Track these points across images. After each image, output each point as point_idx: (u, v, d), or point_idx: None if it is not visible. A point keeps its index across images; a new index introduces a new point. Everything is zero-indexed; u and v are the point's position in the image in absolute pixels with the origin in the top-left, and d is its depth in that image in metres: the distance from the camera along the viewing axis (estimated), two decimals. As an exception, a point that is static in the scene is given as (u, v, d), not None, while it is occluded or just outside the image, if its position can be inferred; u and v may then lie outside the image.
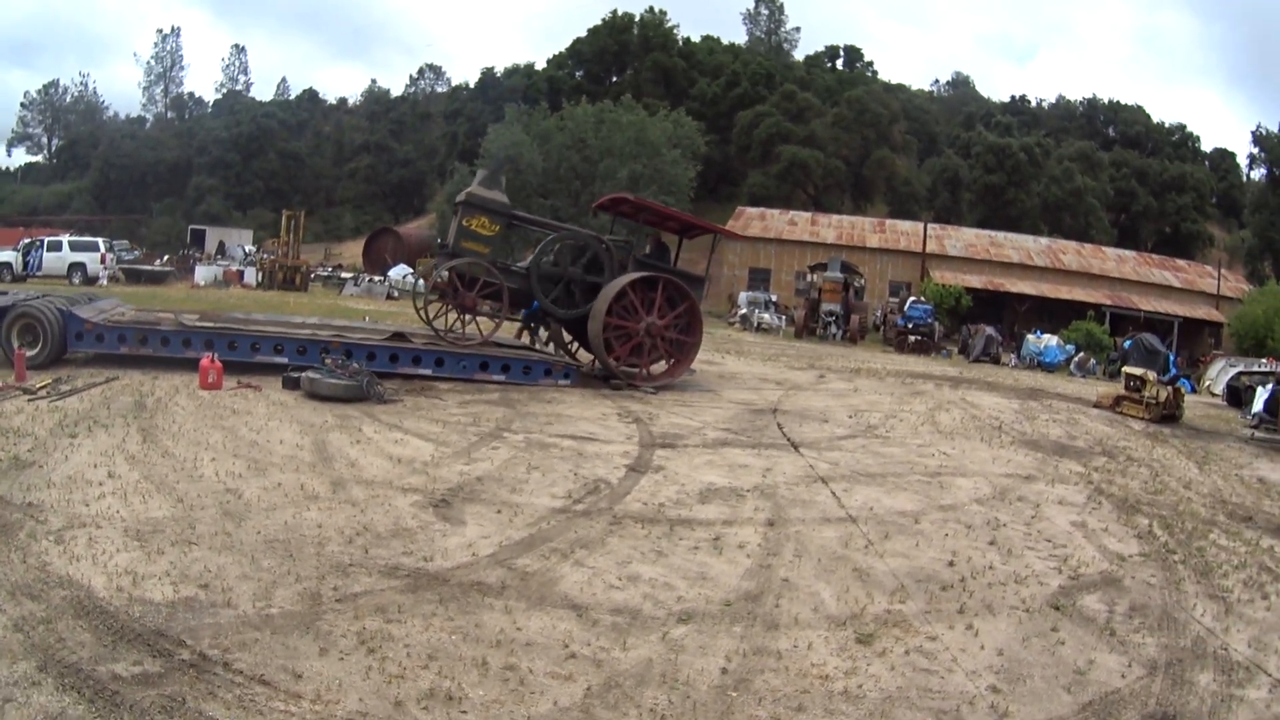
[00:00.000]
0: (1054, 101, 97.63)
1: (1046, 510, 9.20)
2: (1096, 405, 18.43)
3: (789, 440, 11.88)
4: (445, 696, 4.56)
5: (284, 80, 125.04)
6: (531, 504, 8.04)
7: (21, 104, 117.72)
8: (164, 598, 5.48)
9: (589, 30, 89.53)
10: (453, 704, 4.52)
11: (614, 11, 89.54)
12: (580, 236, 16.91)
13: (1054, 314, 45.26)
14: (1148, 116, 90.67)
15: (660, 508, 8.23)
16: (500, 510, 7.77)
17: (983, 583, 6.80)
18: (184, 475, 8.20)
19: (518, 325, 17.82)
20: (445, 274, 15.69)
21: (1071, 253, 55.30)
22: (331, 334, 15.01)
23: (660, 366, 16.21)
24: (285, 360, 13.90)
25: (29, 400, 10.87)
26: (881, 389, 18.52)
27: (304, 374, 12.70)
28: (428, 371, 14.52)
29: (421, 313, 16.14)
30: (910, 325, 35.66)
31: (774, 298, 45.63)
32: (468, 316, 16.44)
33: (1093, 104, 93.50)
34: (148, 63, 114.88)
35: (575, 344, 17.74)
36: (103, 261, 41.14)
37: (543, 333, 17.89)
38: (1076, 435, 14.69)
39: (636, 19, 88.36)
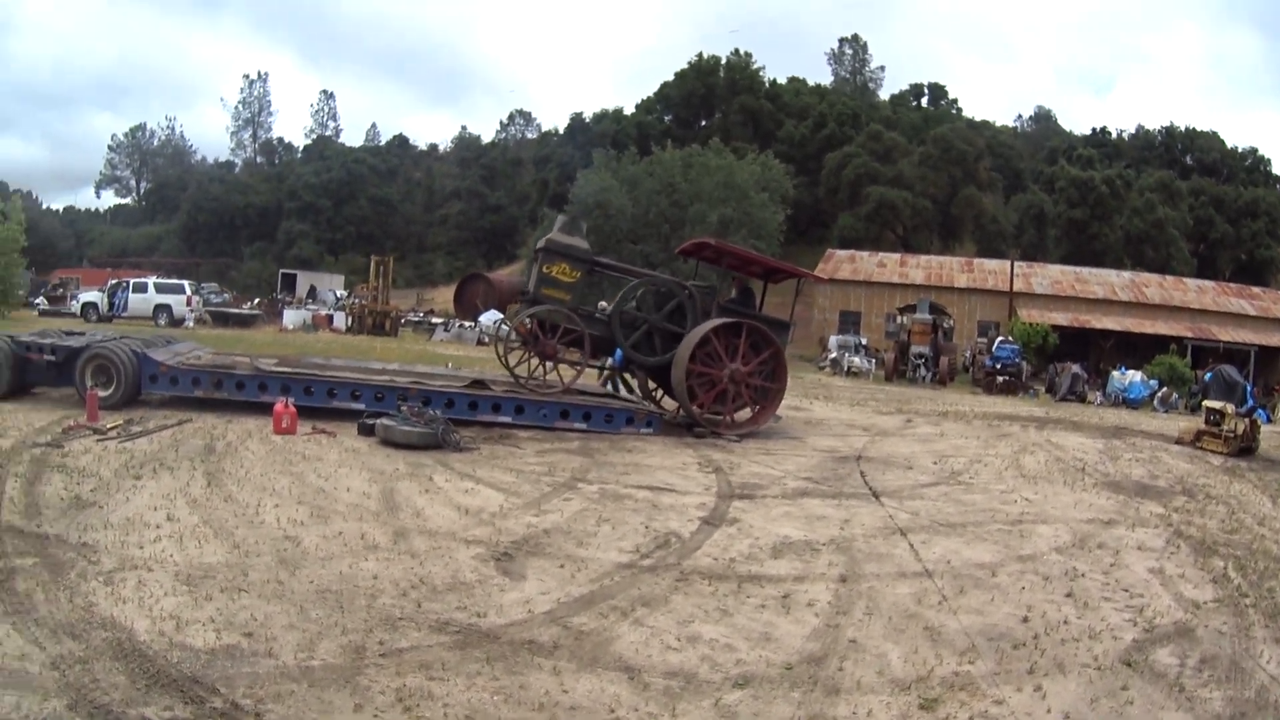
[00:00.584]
0: (1134, 132, 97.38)
1: (1126, 557, 9.05)
2: (1178, 441, 18.08)
3: (870, 489, 11.72)
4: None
5: (374, 126, 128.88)
6: (597, 558, 7.96)
7: (109, 147, 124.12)
8: (205, 644, 5.55)
9: (676, 74, 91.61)
10: (487, 769, 4.44)
11: (700, 55, 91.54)
12: (663, 282, 16.99)
13: (1138, 349, 45.52)
14: (1222, 142, 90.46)
15: (731, 563, 8.10)
16: (564, 565, 7.70)
17: (1056, 639, 6.66)
18: (244, 521, 8.34)
19: (599, 372, 17.84)
20: (528, 321, 15.87)
21: (1154, 285, 55.69)
22: (409, 380, 15.20)
23: (745, 414, 16.15)
24: (362, 406, 14.11)
25: (98, 440, 11.25)
26: (968, 432, 18.32)
27: (379, 421, 12.87)
28: (507, 419, 14.59)
29: (503, 360, 16.26)
30: (998, 365, 35.86)
31: (864, 340, 46.20)
32: (549, 364, 16.49)
33: (1170, 132, 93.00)
34: (235, 108, 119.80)
35: (659, 391, 17.73)
36: (189, 304, 42.57)
37: (632, 381, 17.96)
38: (1158, 474, 14.41)
39: (723, 62, 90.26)
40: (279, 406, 13.01)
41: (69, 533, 7.55)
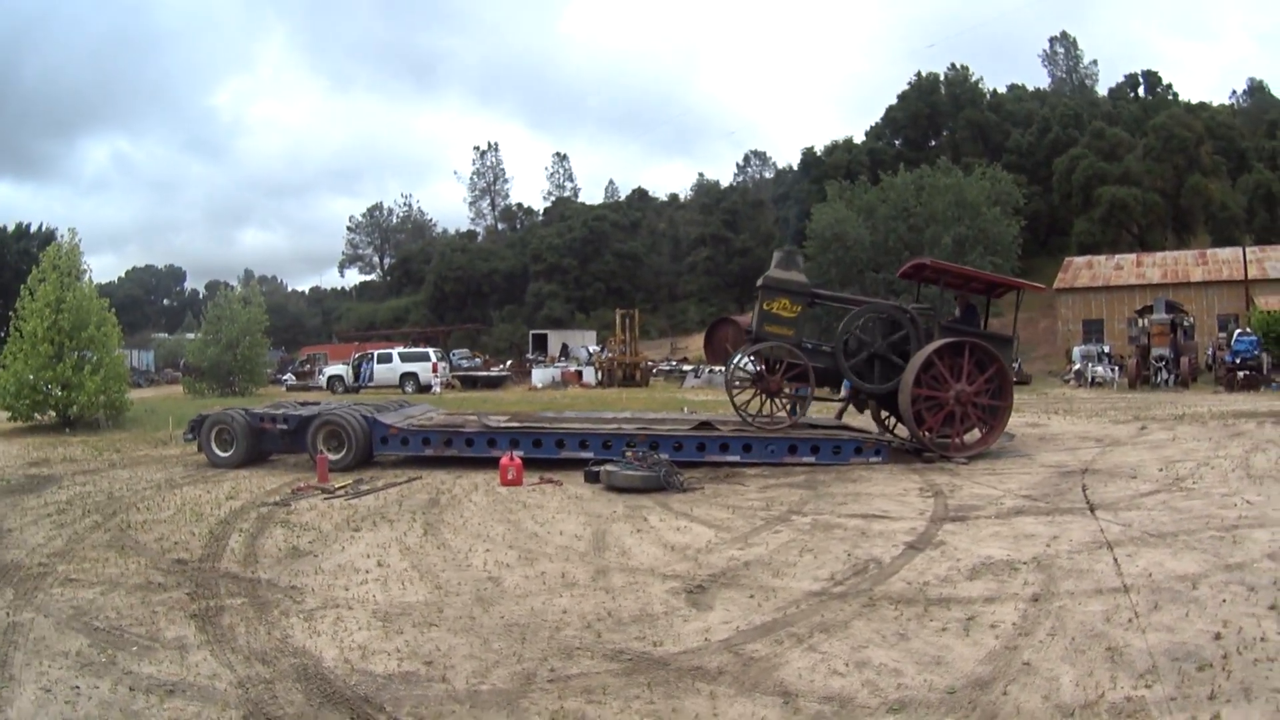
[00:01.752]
0: None
1: None
2: None
3: (1087, 502, 11.59)
4: (615, 776, 4.77)
5: (611, 182, 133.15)
6: (789, 588, 8.12)
7: (348, 228, 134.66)
8: (385, 670, 6.16)
9: (899, 96, 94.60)
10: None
11: (918, 73, 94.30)
12: (883, 308, 17.18)
13: (1381, 323, 43.15)
14: None
15: (924, 586, 8.14)
16: (753, 595, 7.91)
17: (1247, 659, 6.22)
18: (452, 565, 9.05)
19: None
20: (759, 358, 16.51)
21: (1382, 252, 54.59)
22: (636, 427, 15.88)
23: (974, 435, 16.12)
24: (590, 455, 14.94)
25: (325, 499, 12.47)
26: (1201, 435, 17.78)
27: (603, 468, 13.58)
28: (736, 458, 15.11)
29: (731, 399, 16.85)
30: (1237, 360, 35.04)
31: (1107, 349, 46.40)
32: (779, 399, 16.88)
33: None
34: (470, 179, 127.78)
35: (892, 419, 17.88)
36: (434, 370, 45.32)
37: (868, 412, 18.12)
38: None
39: (941, 78, 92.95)
40: (504, 459, 13.96)
41: (280, 578, 8.54)
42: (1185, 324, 40.96)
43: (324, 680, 5.95)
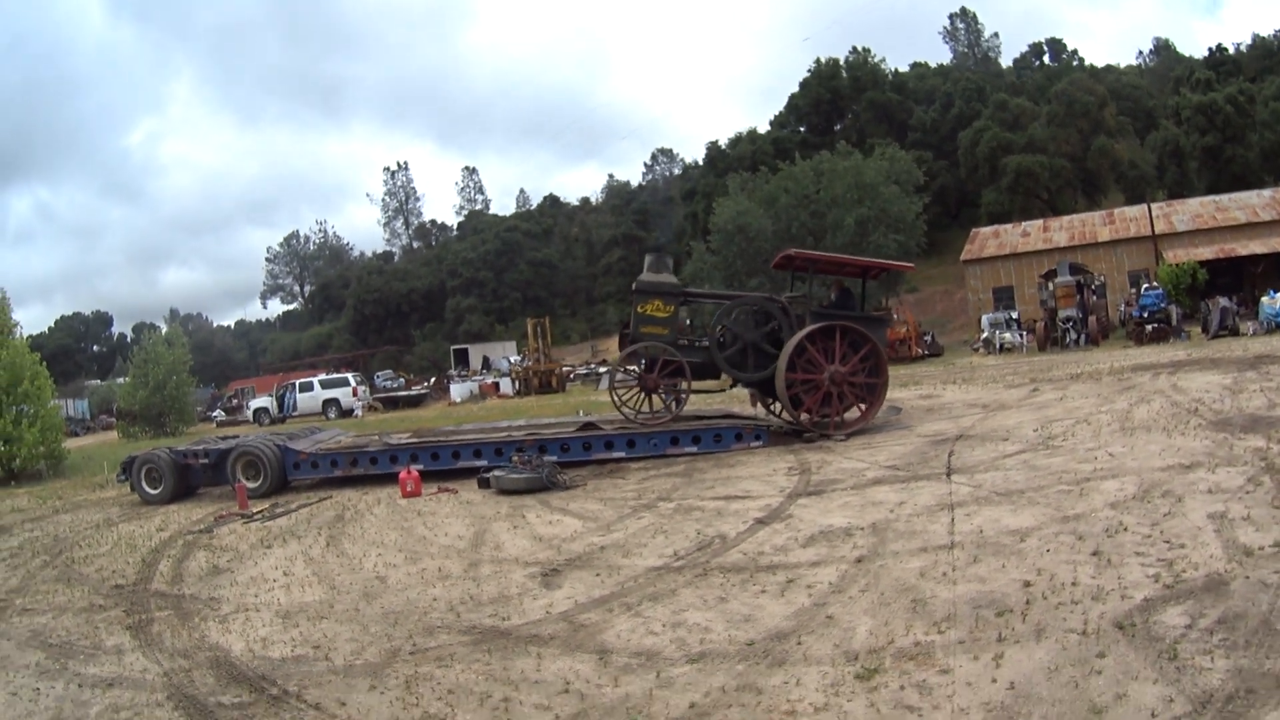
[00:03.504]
0: (1250, 43, 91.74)
1: (1188, 504, 8.56)
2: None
3: (947, 468, 11.99)
4: (438, 718, 6.03)
5: (522, 191, 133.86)
6: (634, 565, 9.00)
7: (266, 259, 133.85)
8: (280, 655, 7.53)
9: (800, 84, 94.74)
10: (438, 724, 5.99)
11: (819, 59, 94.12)
12: (753, 300, 18.05)
13: (1292, 269, 43.83)
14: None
15: (758, 556, 8.73)
16: (599, 574, 8.89)
17: (1051, 604, 6.47)
18: (346, 569, 10.36)
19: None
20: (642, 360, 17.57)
21: (1295, 198, 54.06)
22: (526, 433, 16.98)
23: (855, 413, 16.91)
24: (485, 462, 15.93)
25: (244, 523, 13.74)
26: (1090, 392, 18.32)
27: (492, 473, 14.72)
28: (621, 454, 16.08)
29: (613, 399, 17.91)
30: (1145, 314, 35.73)
31: (1014, 315, 46.93)
32: (662, 395, 17.81)
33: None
34: (383, 200, 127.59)
35: (775, 403, 18.52)
36: (355, 394, 45.97)
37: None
38: (1277, 403, 13.90)
39: (842, 62, 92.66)
40: (403, 474, 15.12)
41: (201, 592, 9.95)
42: (1093, 284, 41.51)
43: (232, 666, 7.32)
